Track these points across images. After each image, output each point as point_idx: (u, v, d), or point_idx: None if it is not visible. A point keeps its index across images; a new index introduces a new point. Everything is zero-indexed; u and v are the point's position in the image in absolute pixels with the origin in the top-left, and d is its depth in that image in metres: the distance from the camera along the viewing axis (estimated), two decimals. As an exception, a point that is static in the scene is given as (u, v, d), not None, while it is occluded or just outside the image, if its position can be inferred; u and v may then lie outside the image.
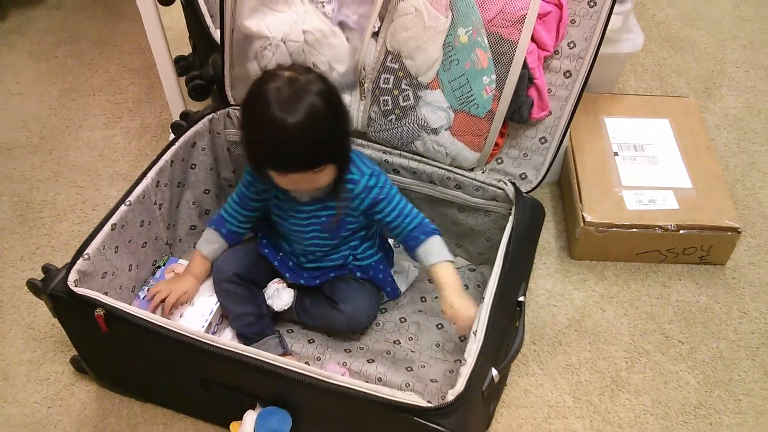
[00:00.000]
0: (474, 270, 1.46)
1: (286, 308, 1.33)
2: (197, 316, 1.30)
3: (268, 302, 1.33)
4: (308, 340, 1.35)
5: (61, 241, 1.53)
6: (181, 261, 1.38)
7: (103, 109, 1.83)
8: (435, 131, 1.29)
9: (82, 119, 1.81)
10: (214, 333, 1.32)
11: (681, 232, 1.43)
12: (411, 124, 1.29)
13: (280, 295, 1.33)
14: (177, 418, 1.26)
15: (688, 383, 1.32)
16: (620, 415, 1.28)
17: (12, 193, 1.63)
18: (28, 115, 1.82)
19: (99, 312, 1.05)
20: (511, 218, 1.23)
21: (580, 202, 1.46)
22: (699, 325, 1.41)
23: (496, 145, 1.29)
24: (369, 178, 1.21)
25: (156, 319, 1.05)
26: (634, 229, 1.44)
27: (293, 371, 0.99)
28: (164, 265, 1.37)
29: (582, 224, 1.44)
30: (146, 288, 1.33)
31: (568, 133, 1.27)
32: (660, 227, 1.43)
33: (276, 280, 1.35)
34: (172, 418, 1.26)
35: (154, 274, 1.35)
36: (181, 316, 1.30)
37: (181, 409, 1.26)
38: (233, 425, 1.11)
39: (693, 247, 1.46)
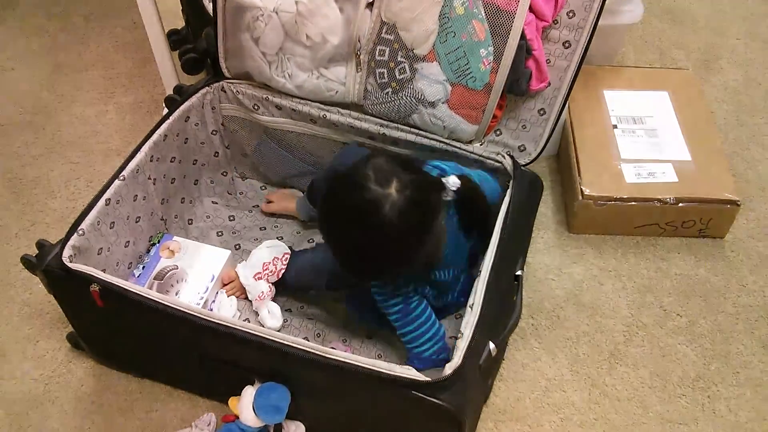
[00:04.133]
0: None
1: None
2: (193, 294, 1.29)
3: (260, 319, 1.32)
4: (308, 317, 1.34)
5: (55, 217, 1.52)
6: (176, 238, 1.37)
7: (96, 84, 1.81)
8: (432, 104, 1.27)
9: (75, 95, 1.79)
10: (209, 310, 1.31)
11: (680, 205, 1.42)
12: (408, 97, 1.28)
13: (273, 314, 1.32)
14: (175, 393, 1.26)
15: (687, 356, 1.32)
16: (618, 388, 1.28)
17: (5, 169, 1.62)
18: (19, 91, 1.79)
19: (94, 287, 1.05)
20: (508, 192, 1.22)
21: (579, 175, 1.45)
22: (697, 298, 1.41)
23: (495, 117, 1.28)
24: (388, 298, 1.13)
25: (152, 294, 1.04)
26: (633, 203, 1.43)
27: (291, 347, 0.98)
28: (159, 242, 1.36)
29: (580, 198, 1.43)
30: (141, 266, 1.32)
31: (567, 104, 1.26)
32: (659, 200, 1.42)
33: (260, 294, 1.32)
34: (170, 393, 1.26)
35: (148, 251, 1.35)
36: (177, 293, 1.29)
37: (179, 385, 1.26)
38: (232, 401, 1.11)
39: (692, 220, 1.46)
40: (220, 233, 1.46)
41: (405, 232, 0.98)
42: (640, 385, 1.28)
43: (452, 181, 1.05)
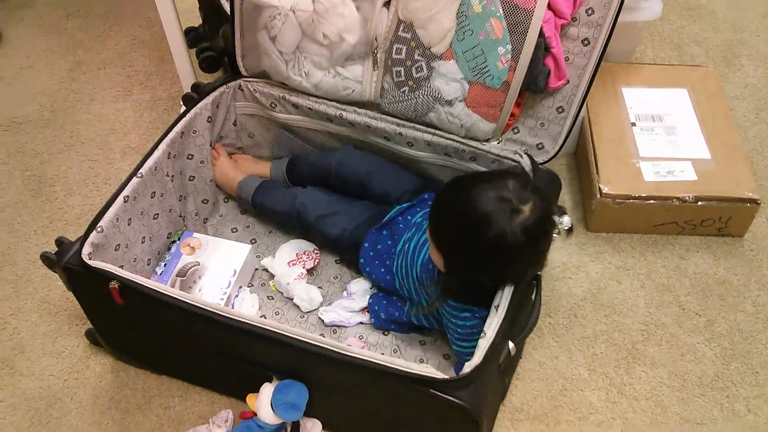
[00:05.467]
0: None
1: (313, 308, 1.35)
2: (216, 289, 1.30)
3: (296, 300, 1.34)
4: (323, 314, 1.35)
5: (73, 214, 1.53)
6: (195, 235, 1.38)
7: (114, 82, 1.82)
8: (449, 103, 1.27)
9: (93, 93, 1.80)
10: (232, 306, 1.32)
11: (699, 203, 1.41)
12: (424, 96, 1.27)
13: (311, 297, 1.33)
14: (192, 390, 1.27)
15: (705, 355, 1.31)
16: (636, 387, 1.27)
17: (24, 167, 1.63)
18: (38, 89, 1.81)
19: (114, 284, 1.05)
20: (527, 191, 1.21)
21: (597, 173, 1.44)
22: (716, 297, 1.40)
23: (512, 115, 1.27)
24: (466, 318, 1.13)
25: (172, 291, 1.05)
26: (652, 201, 1.42)
27: (311, 344, 0.99)
28: (179, 239, 1.36)
29: (599, 196, 1.42)
30: (162, 264, 1.33)
31: (585, 102, 1.25)
32: (678, 199, 1.41)
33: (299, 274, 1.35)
34: (188, 390, 1.27)
35: (169, 248, 1.35)
36: (199, 290, 1.30)
37: (197, 382, 1.26)
38: (249, 398, 1.12)
39: (711, 218, 1.44)
40: (234, 230, 1.46)
41: (520, 248, 1.00)
42: (658, 384, 1.28)
43: (566, 221, 1.05)
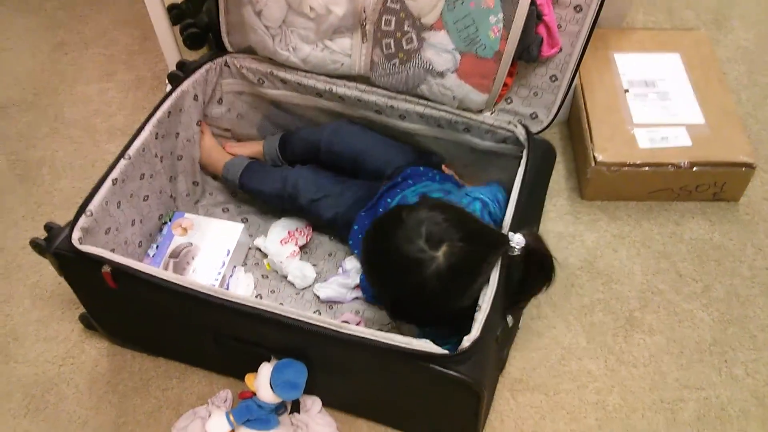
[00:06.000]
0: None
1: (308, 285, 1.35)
2: (210, 270, 1.28)
3: (290, 278, 1.34)
4: (318, 290, 1.34)
5: (62, 198, 1.51)
6: (187, 215, 1.36)
7: (97, 62, 1.79)
8: (441, 74, 1.25)
9: (76, 74, 1.76)
10: (227, 286, 1.31)
11: (694, 169, 1.40)
12: (416, 68, 1.25)
13: (304, 274, 1.33)
14: (190, 371, 1.26)
15: (703, 321, 1.32)
16: (634, 355, 1.27)
17: (9, 151, 1.60)
18: (20, 72, 1.77)
19: (106, 269, 1.04)
20: (523, 162, 1.20)
21: (591, 141, 1.43)
22: (713, 262, 1.39)
23: (505, 85, 1.25)
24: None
25: (166, 275, 1.03)
26: (647, 168, 1.41)
27: (309, 323, 0.98)
28: (170, 220, 1.35)
29: (593, 164, 1.41)
30: (155, 246, 1.31)
31: (578, 70, 1.23)
32: (673, 165, 1.40)
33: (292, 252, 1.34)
34: (185, 371, 1.26)
35: (161, 230, 1.34)
36: (193, 271, 1.29)
37: (195, 363, 1.26)
38: (248, 377, 1.11)
39: (706, 183, 1.44)
40: (225, 209, 1.45)
41: (439, 294, 1.00)
42: (656, 351, 1.28)
43: (517, 240, 1.03)
